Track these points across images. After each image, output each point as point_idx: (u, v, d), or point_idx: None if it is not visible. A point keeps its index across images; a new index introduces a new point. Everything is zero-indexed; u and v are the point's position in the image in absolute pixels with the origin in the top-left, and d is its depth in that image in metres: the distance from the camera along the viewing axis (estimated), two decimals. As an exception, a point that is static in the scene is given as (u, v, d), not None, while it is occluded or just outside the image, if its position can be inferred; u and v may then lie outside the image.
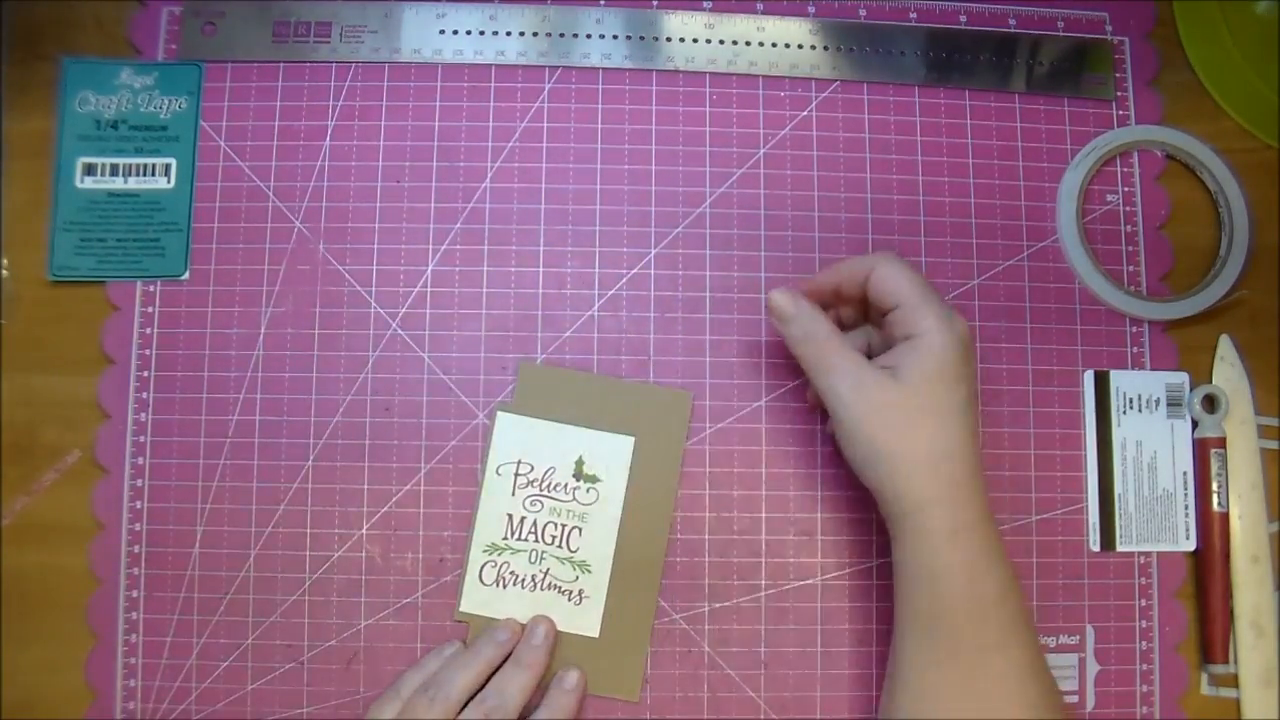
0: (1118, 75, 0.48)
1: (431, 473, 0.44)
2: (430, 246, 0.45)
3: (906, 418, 0.37)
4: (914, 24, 0.48)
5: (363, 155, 0.46)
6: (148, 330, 0.44)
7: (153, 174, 0.45)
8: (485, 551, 0.43)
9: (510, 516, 0.43)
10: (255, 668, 0.43)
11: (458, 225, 0.45)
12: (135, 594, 0.43)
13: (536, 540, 0.43)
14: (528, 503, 0.43)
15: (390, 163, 0.46)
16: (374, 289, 0.45)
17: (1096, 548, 0.45)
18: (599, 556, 0.43)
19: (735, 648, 0.43)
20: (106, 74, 0.46)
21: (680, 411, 0.44)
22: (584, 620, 0.43)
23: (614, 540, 0.43)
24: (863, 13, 0.48)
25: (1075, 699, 0.44)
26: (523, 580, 0.43)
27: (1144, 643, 0.44)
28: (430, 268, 0.45)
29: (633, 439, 0.43)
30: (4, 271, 0.45)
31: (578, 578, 0.43)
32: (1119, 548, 0.45)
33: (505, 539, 0.43)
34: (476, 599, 0.43)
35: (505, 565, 0.43)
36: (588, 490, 0.43)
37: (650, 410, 0.44)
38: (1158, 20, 0.49)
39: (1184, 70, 0.49)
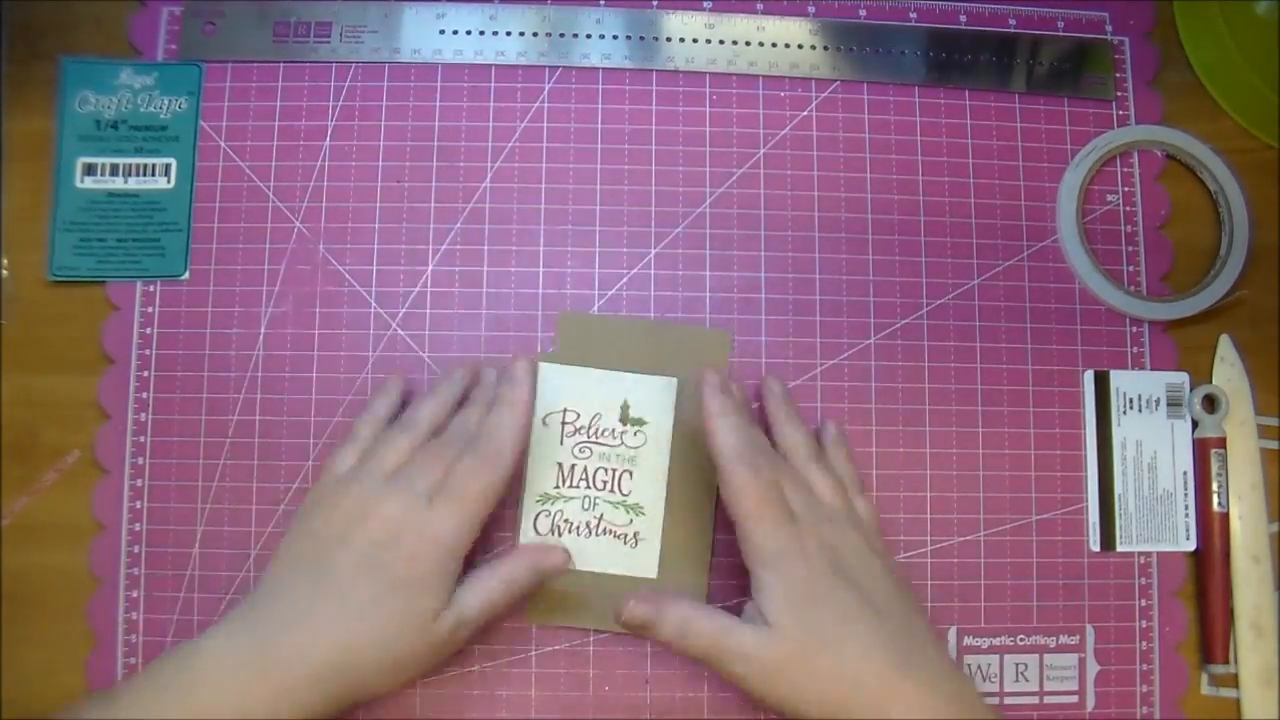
0: (1118, 75, 0.48)
1: (431, 473, 0.44)
2: (430, 246, 0.45)
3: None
4: (914, 24, 0.48)
5: (363, 155, 0.46)
6: (148, 330, 0.44)
7: (153, 174, 0.45)
8: (539, 501, 0.43)
9: (560, 465, 0.43)
10: (255, 668, 0.42)
11: (458, 225, 0.45)
12: (135, 594, 0.43)
13: (588, 487, 0.43)
14: (577, 450, 0.43)
15: (390, 163, 0.46)
16: (374, 289, 0.45)
17: (1096, 548, 0.45)
18: (651, 498, 0.43)
19: (735, 648, 0.43)
20: (106, 74, 0.46)
21: (720, 348, 0.44)
22: (641, 562, 0.43)
23: (664, 481, 0.43)
24: (863, 13, 0.48)
25: (1075, 699, 0.44)
26: (577, 527, 0.43)
27: (1144, 643, 0.44)
28: (430, 268, 0.45)
29: (676, 380, 0.44)
30: (4, 271, 0.45)
31: (631, 520, 0.43)
32: (1119, 548, 0.45)
33: (557, 487, 0.43)
34: None
35: (559, 514, 0.43)
36: (635, 433, 0.43)
37: (691, 350, 0.44)
38: (1158, 20, 0.49)
39: (1184, 70, 0.49)
